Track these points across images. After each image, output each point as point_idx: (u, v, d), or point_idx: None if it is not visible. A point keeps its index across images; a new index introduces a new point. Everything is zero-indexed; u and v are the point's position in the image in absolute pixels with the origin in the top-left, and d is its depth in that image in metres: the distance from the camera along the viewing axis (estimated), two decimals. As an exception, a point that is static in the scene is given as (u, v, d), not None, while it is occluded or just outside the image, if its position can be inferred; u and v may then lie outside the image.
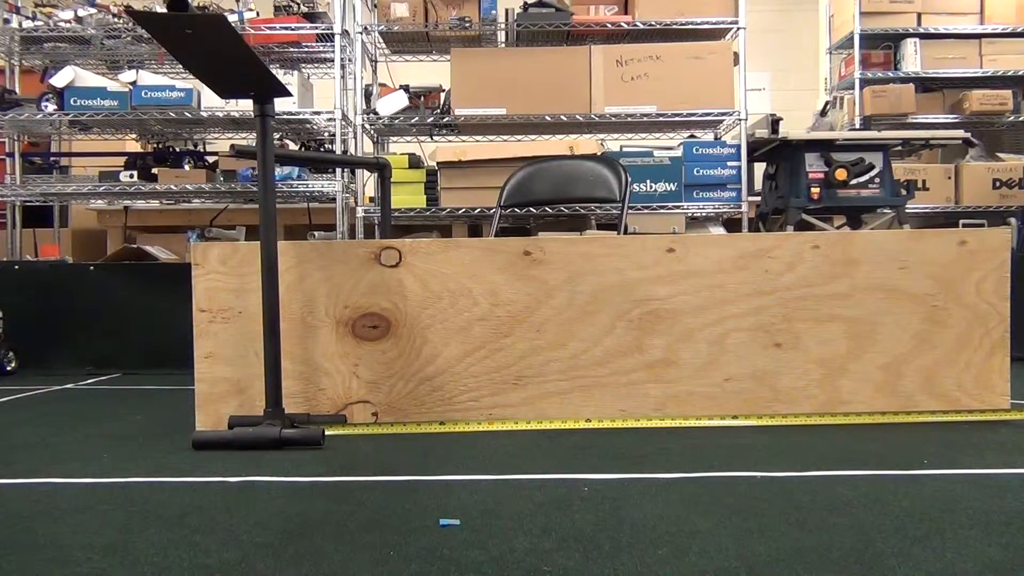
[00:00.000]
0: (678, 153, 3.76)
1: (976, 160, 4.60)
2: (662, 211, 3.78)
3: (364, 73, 3.99)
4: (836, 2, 5.28)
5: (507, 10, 3.76)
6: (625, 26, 3.76)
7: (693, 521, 1.27)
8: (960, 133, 3.80)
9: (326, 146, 4.24)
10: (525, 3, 3.71)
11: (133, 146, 4.63)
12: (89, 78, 3.82)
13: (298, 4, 3.84)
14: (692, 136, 4.15)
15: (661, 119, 3.77)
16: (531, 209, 3.63)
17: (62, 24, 3.83)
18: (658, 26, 3.73)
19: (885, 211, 3.68)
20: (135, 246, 3.96)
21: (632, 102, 3.68)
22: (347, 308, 2.08)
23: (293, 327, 2.06)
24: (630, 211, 3.18)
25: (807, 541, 1.17)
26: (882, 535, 1.19)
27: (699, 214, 3.85)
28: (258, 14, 3.82)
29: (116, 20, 3.82)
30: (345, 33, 3.81)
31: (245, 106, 3.70)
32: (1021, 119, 4.88)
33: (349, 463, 1.71)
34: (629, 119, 3.76)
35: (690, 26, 3.75)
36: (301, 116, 3.81)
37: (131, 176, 3.92)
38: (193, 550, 1.17)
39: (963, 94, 4.83)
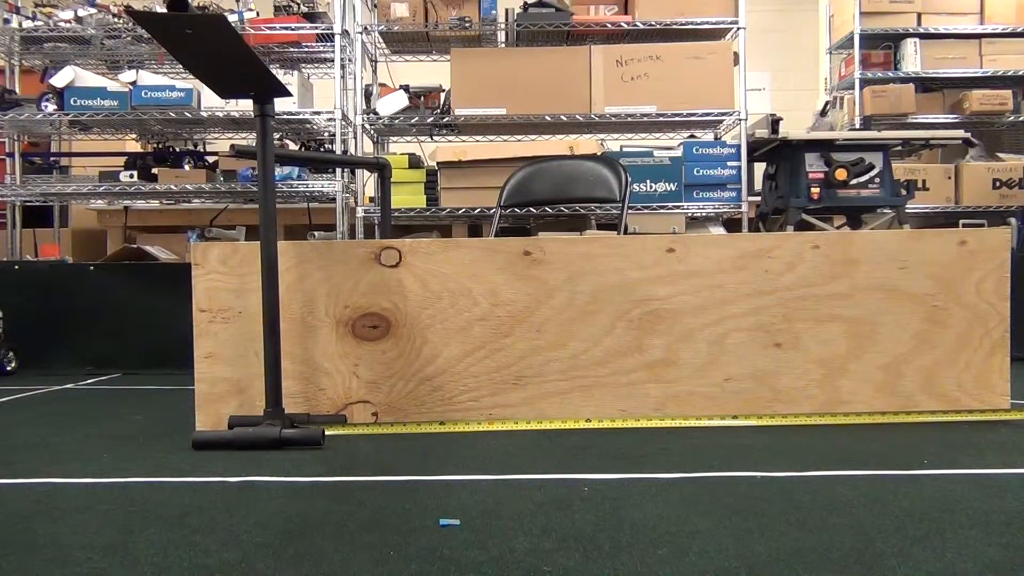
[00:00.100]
0: (678, 153, 3.76)
1: (976, 160, 4.60)
2: (662, 211, 3.78)
3: (364, 73, 3.99)
4: (836, 2, 5.28)
5: (507, 10, 3.76)
6: (625, 26, 3.76)
7: (693, 521, 1.27)
8: (960, 133, 3.80)
9: (326, 146, 4.24)
10: (525, 3, 3.71)
11: (133, 146, 4.63)
12: (89, 78, 3.82)
13: (298, 4, 3.84)
14: (692, 136, 4.15)
15: (661, 119, 3.77)
16: (531, 209, 3.63)
17: (62, 24, 3.83)
18: (658, 26, 3.73)
19: (885, 211, 3.68)
20: (135, 246, 3.96)
21: (632, 102, 3.68)
22: (347, 308, 2.08)
23: (293, 327, 2.06)
24: (630, 211, 3.18)
25: (807, 541, 1.17)
26: (882, 535, 1.19)
27: (699, 214, 3.85)
28: (258, 14, 3.82)
29: (116, 20, 3.82)
30: (345, 33, 3.81)
31: (245, 106, 3.70)
32: (1021, 119, 4.88)
33: (349, 463, 1.71)
34: (629, 119, 3.76)
35: (690, 26, 3.75)
36: (301, 116, 3.81)
37: (131, 176, 3.92)
38: (193, 550, 1.17)
39: (963, 94, 4.83)
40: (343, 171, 3.82)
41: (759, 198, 4.02)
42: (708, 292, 2.09)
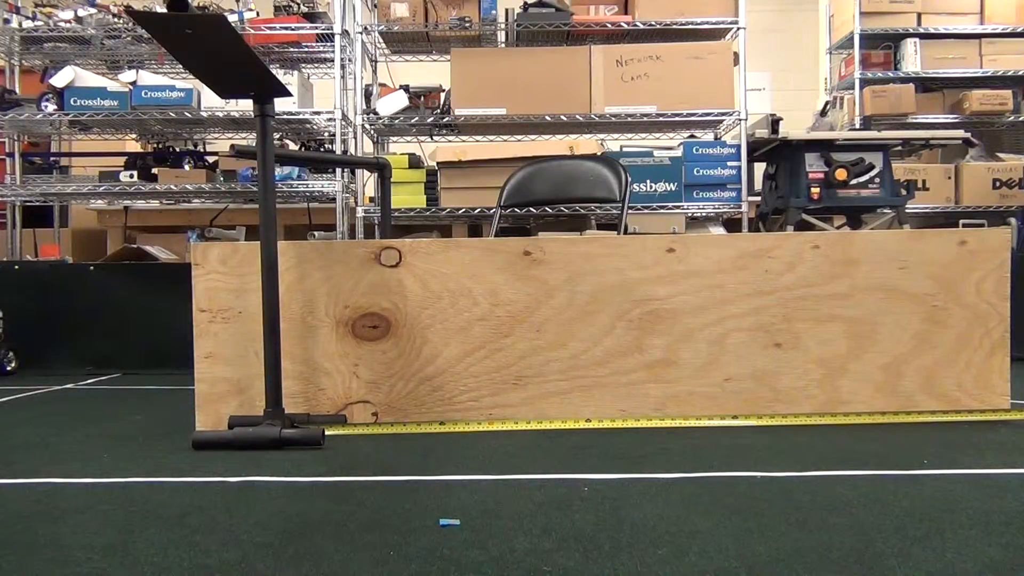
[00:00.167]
0: (678, 153, 3.76)
1: (976, 160, 4.60)
2: (662, 211, 3.78)
3: (364, 73, 3.99)
4: (836, 2, 5.28)
5: (507, 10, 3.76)
6: (625, 26, 3.76)
7: (693, 521, 1.27)
8: (960, 133, 3.80)
9: (326, 146, 4.24)
10: (525, 3, 3.71)
11: (133, 146, 4.63)
12: (89, 78, 3.82)
13: (298, 4, 3.84)
14: (692, 136, 4.15)
15: (661, 119, 3.77)
16: (531, 209, 3.63)
17: (62, 24, 3.83)
18: (658, 26, 3.73)
19: (885, 211, 3.68)
20: (135, 246, 3.96)
21: (632, 102, 3.68)
22: (347, 308, 2.08)
23: (293, 327, 2.06)
24: (630, 211, 3.18)
25: (807, 541, 1.17)
26: (882, 535, 1.19)
27: (699, 214, 3.85)
28: (258, 14, 3.82)
29: (116, 20, 3.82)
30: (345, 33, 3.81)
31: (245, 106, 3.70)
32: (1021, 119, 4.88)
33: (349, 463, 1.71)
34: (629, 119, 3.76)
35: (690, 26, 3.75)
36: (301, 116, 3.81)
37: (131, 176, 3.92)
38: (193, 550, 1.17)
39: (963, 94, 4.83)
40: (343, 171, 3.82)
41: (759, 198, 4.02)
42: (708, 292, 2.09)
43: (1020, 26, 4.81)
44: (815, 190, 3.54)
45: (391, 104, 3.79)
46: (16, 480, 1.60)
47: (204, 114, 3.78)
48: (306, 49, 4.05)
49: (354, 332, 2.08)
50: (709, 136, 4.13)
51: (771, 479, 1.52)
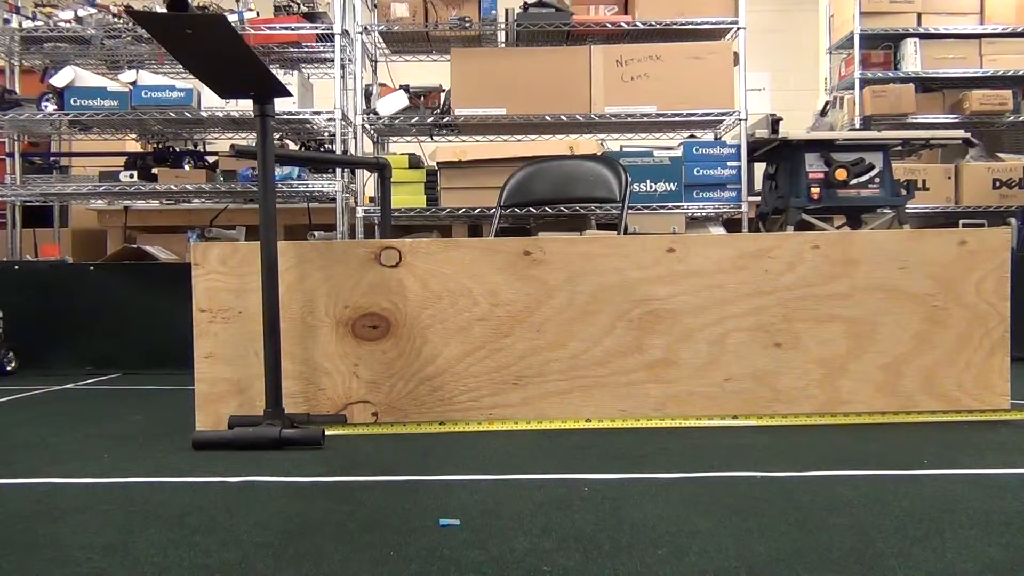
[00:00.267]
0: (678, 153, 3.76)
1: (976, 160, 4.60)
2: (662, 211, 3.78)
3: (364, 73, 3.99)
4: (836, 2, 5.28)
5: (507, 10, 3.76)
6: (625, 26, 3.76)
7: (693, 521, 1.27)
8: (960, 133, 3.81)
9: (326, 146, 4.24)
10: (525, 3, 3.71)
11: (133, 146, 4.63)
12: (89, 78, 3.82)
13: (298, 4, 3.84)
14: (692, 136, 4.15)
15: (661, 119, 3.77)
16: (531, 209, 3.63)
17: (62, 24, 3.83)
18: (658, 26, 3.73)
19: (885, 211, 3.68)
20: (135, 246, 3.96)
21: (632, 102, 3.68)
22: (347, 308, 2.08)
23: (293, 327, 2.06)
24: (630, 211, 3.18)
25: (807, 541, 1.17)
26: (882, 535, 1.19)
27: (699, 214, 3.85)
28: (258, 14, 3.82)
29: (116, 20, 3.82)
30: (345, 33, 3.81)
31: (245, 106, 3.70)
32: (1021, 119, 4.88)
33: (349, 463, 1.71)
34: (629, 119, 3.76)
35: (690, 26, 3.75)
36: (301, 116, 3.81)
37: (131, 176, 3.92)
38: (193, 550, 1.17)
39: (963, 94, 4.83)
40: (343, 171, 3.82)
41: (759, 198, 4.02)
42: (708, 292, 2.09)
43: (1020, 26, 4.81)
44: (815, 190, 3.54)
45: (391, 104, 3.79)
46: (16, 480, 1.60)
47: (204, 114, 3.78)
48: (306, 49, 4.05)
49: (354, 332, 2.08)
50: (709, 136, 4.13)
51: (771, 479, 1.52)
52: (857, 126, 4.76)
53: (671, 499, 1.40)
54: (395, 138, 4.42)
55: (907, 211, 3.68)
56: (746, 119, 3.72)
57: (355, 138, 3.80)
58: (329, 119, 3.85)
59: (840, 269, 2.10)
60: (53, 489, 1.53)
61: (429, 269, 2.08)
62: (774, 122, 3.64)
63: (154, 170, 3.96)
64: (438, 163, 3.70)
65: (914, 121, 4.80)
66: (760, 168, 4.02)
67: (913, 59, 4.83)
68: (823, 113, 4.46)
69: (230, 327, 2.06)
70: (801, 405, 2.10)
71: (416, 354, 2.08)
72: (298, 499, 1.43)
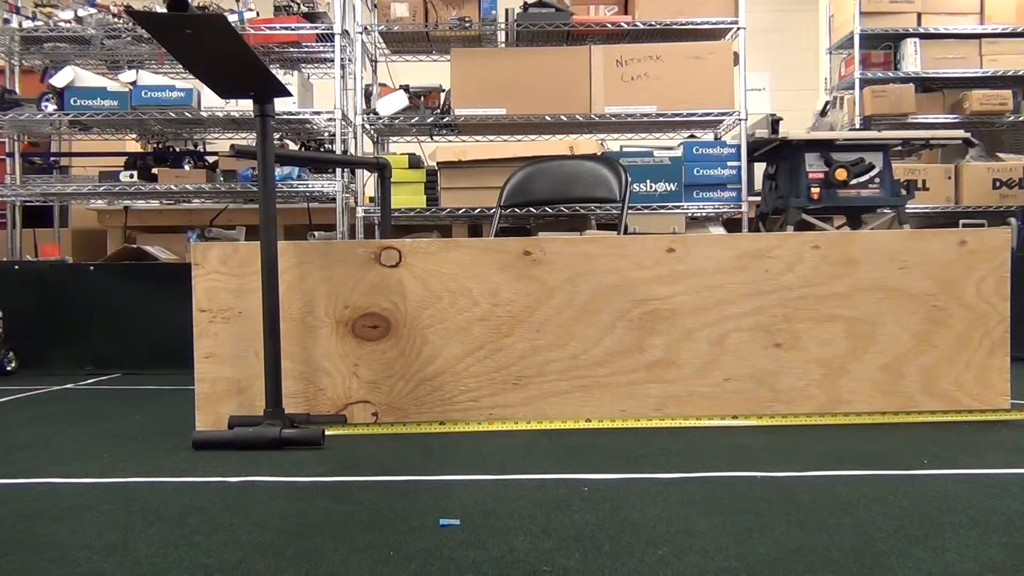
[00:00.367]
0: (678, 153, 3.76)
1: (976, 160, 4.60)
2: (662, 211, 3.78)
3: (364, 73, 3.99)
4: (836, 2, 5.28)
5: (507, 10, 3.76)
6: (625, 26, 3.76)
7: (693, 521, 1.27)
8: (960, 133, 3.80)
9: (326, 146, 4.24)
10: (525, 3, 3.71)
11: (133, 146, 4.63)
12: (89, 78, 3.82)
13: (298, 4, 3.84)
14: (692, 136, 4.15)
15: (661, 119, 3.77)
16: (531, 209, 3.63)
17: (62, 24, 3.83)
18: (658, 26, 3.73)
19: (885, 211, 3.68)
20: (135, 246, 3.96)
21: (632, 102, 3.68)
22: (347, 308, 2.08)
23: (293, 327, 2.06)
24: (630, 211, 3.18)
25: (807, 541, 1.17)
26: (882, 535, 1.19)
27: (699, 214, 3.85)
28: (258, 14, 3.82)
29: (116, 20, 3.82)
30: (345, 33, 3.81)
31: (245, 106, 3.70)
32: (1021, 119, 4.87)
33: (349, 463, 1.71)
34: (629, 119, 3.76)
35: (690, 26, 3.75)
36: (301, 116, 3.81)
37: (131, 176, 3.92)
38: (193, 550, 1.17)
39: (963, 94, 4.83)
40: (343, 171, 3.82)
41: (759, 198, 4.02)
42: (708, 292, 2.09)
43: (1020, 26, 4.81)
44: (815, 190, 3.54)
45: (391, 104, 3.79)
46: (16, 480, 1.60)
47: (204, 114, 3.78)
48: (306, 49, 4.05)
49: (354, 332, 2.08)
50: (709, 136, 4.13)
51: (771, 479, 1.52)
52: (857, 126, 4.76)
53: (671, 499, 1.40)
54: (395, 138, 4.42)
55: (907, 211, 3.68)
56: (746, 119, 3.72)
57: (355, 138, 3.80)
58: (329, 119, 3.85)
59: (840, 269, 2.10)
60: (53, 489, 1.53)
61: (429, 269, 2.08)
62: (774, 122, 3.64)
63: (154, 170, 3.96)
64: (438, 163, 3.70)
65: (914, 121, 4.80)
66: (760, 168, 4.02)
67: (913, 59, 4.83)
68: (823, 113, 4.46)
69: (230, 327, 2.06)
70: (801, 405, 2.10)
71: (416, 354, 2.08)
72: (298, 499, 1.43)
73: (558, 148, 3.68)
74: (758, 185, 4.07)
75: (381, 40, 4.14)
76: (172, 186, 3.91)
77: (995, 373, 2.11)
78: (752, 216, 3.92)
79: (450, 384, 2.08)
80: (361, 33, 3.82)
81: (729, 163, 3.72)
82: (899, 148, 3.88)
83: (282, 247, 2.00)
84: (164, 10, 1.66)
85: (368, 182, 3.89)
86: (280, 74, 3.90)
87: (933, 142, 4.00)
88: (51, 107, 3.74)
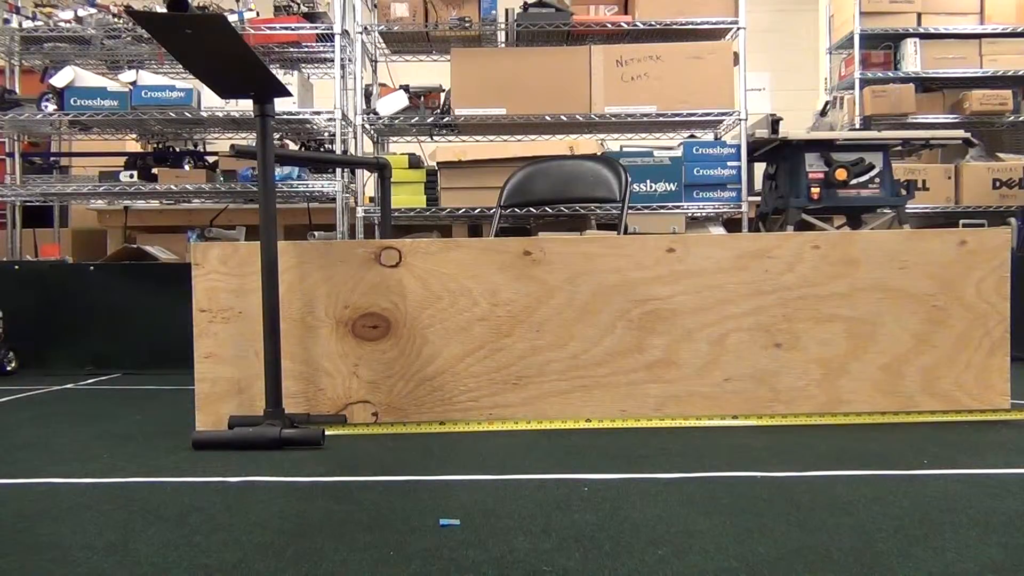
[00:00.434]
0: (678, 153, 3.76)
1: (976, 160, 4.60)
2: (662, 211, 3.78)
3: (364, 73, 3.99)
4: (836, 2, 5.28)
5: (507, 10, 3.76)
6: (625, 26, 3.76)
7: (693, 521, 1.27)
8: (960, 133, 3.80)
9: (326, 146, 4.24)
10: (525, 3, 3.71)
11: (133, 146, 4.63)
12: (89, 78, 3.82)
13: (298, 4, 3.84)
14: (692, 136, 4.15)
15: (661, 119, 3.77)
16: (531, 209, 3.63)
17: (62, 24, 3.83)
18: (658, 26, 3.73)
19: (885, 211, 3.68)
20: (135, 246, 3.96)
21: (632, 102, 3.68)
22: (347, 308, 2.08)
23: (293, 327, 2.06)
24: (630, 211, 3.18)
25: (807, 541, 1.17)
26: (882, 535, 1.19)
27: (699, 214, 3.85)
28: (258, 14, 3.82)
29: (116, 20, 3.82)
30: (345, 33, 3.81)
31: (245, 106, 3.70)
32: (1021, 119, 4.88)
33: (349, 463, 1.71)
34: (629, 119, 3.76)
35: (690, 26, 3.75)
36: (301, 116, 3.81)
37: (131, 176, 3.92)
38: (193, 550, 1.17)
39: (963, 94, 4.83)
40: (343, 171, 3.82)
41: (759, 198, 4.02)
42: (708, 292, 2.09)
43: (1020, 26, 4.81)
44: (815, 190, 3.54)
45: (391, 104, 3.79)
46: (16, 480, 1.60)
47: (204, 114, 3.78)
48: (306, 49, 4.05)
49: (354, 332, 2.08)
50: (709, 136, 4.13)
51: (771, 479, 1.52)
52: (857, 126, 4.76)
53: (671, 499, 1.40)
54: (395, 138, 4.42)
55: (907, 211, 3.68)
56: (746, 119, 3.72)
57: (355, 138, 3.80)
58: (329, 119, 3.85)
59: (840, 269, 2.10)
60: (53, 489, 1.53)
61: (429, 269, 2.08)
62: (774, 122, 3.64)
63: (154, 170, 3.96)
64: (438, 163, 3.70)
65: (914, 121, 4.80)
66: (760, 168, 4.02)
67: (913, 59, 4.83)
68: (823, 113, 4.46)
69: (230, 327, 2.06)
70: (801, 405, 2.10)
71: (416, 354, 2.08)
72: (298, 499, 1.43)
73: (558, 148, 3.68)
74: (758, 185, 4.07)
75: (381, 40, 4.14)
76: (172, 186, 3.91)
77: (995, 373, 2.11)
78: (752, 216, 3.92)
79: (450, 384, 2.08)
80: (361, 33, 3.82)
81: (729, 163, 3.72)
82: (899, 148, 3.88)
83: (282, 247, 2.00)
84: (164, 10, 1.66)
85: (368, 182, 3.89)
86: (280, 74, 3.90)
87: (933, 142, 4.00)
88: (51, 107, 3.74)
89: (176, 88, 3.76)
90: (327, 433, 1.93)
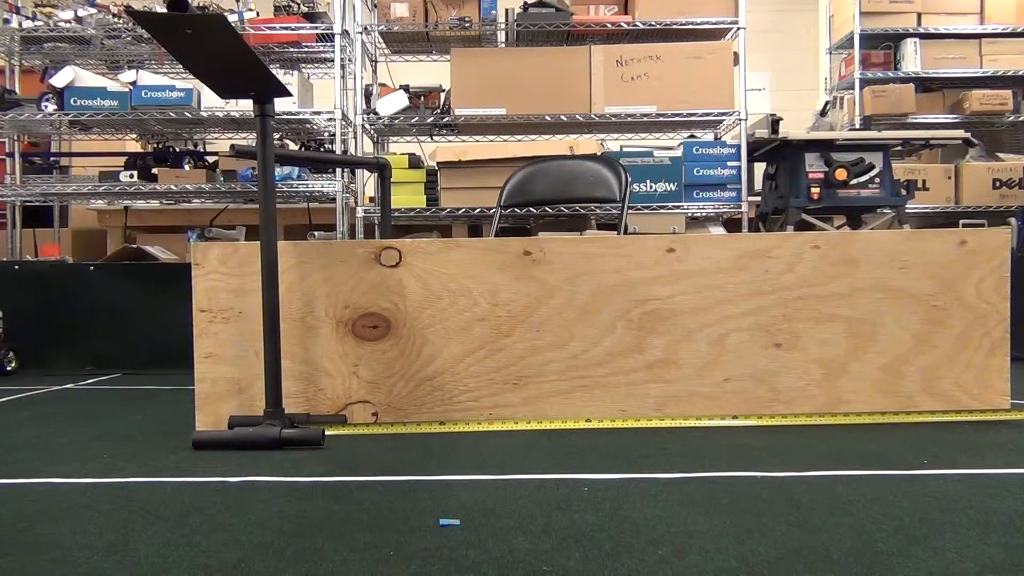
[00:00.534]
0: (678, 153, 3.76)
1: (976, 160, 4.60)
2: (662, 211, 3.78)
3: (364, 73, 3.99)
4: (836, 2, 5.28)
5: (507, 10, 3.76)
6: (625, 26, 3.76)
7: (693, 521, 1.27)
8: (960, 133, 3.80)
9: (326, 146, 4.24)
10: (525, 3, 3.71)
11: (133, 146, 4.63)
12: (89, 78, 3.82)
13: (298, 4, 3.84)
14: (692, 136, 4.15)
15: (661, 119, 3.77)
16: (531, 209, 3.63)
17: (62, 24, 3.84)
18: (658, 26, 3.73)
19: (885, 211, 3.68)
20: (135, 246, 3.96)
21: (632, 102, 3.68)
22: (347, 308, 2.08)
23: (293, 327, 2.06)
24: (630, 211, 3.18)
25: (807, 541, 1.17)
26: (882, 535, 1.19)
27: (699, 214, 3.85)
28: (258, 14, 3.82)
29: (116, 20, 3.82)
30: (345, 33, 3.81)
31: (245, 106, 3.70)
32: (1021, 119, 4.88)
33: (349, 463, 1.71)
34: (629, 119, 3.76)
35: (690, 26, 3.75)
36: (301, 116, 3.81)
37: (131, 176, 3.92)
38: (193, 550, 1.17)
39: (963, 94, 4.83)
40: (343, 171, 3.82)
41: (759, 198, 4.02)
42: (708, 292, 2.09)
43: (1020, 26, 4.81)
44: (815, 190, 3.54)
45: (391, 104, 3.79)
46: (16, 480, 1.60)
47: (204, 114, 3.78)
48: (306, 49, 4.05)
49: (354, 332, 2.08)
50: (709, 136, 4.13)
51: (771, 479, 1.52)
52: (857, 126, 4.76)
53: (671, 499, 1.40)
54: (395, 138, 4.42)
55: (907, 211, 3.68)
56: (746, 119, 3.72)
57: (355, 138, 3.80)
58: (329, 119, 3.85)
59: (840, 269, 2.10)
60: (53, 489, 1.53)
61: (429, 269, 2.08)
62: (774, 122, 3.64)
63: (154, 170, 3.96)
64: (438, 163, 3.70)
65: (914, 121, 4.80)
66: (760, 168, 4.02)
67: (913, 59, 4.83)
68: (823, 113, 4.46)
69: (230, 327, 2.06)
70: (801, 405, 2.10)
71: (416, 354, 2.08)
72: (298, 499, 1.43)
73: (558, 148, 3.68)
74: (758, 185, 4.07)
75: (381, 40, 4.14)
76: (172, 186, 3.91)
77: (995, 373, 2.11)
78: (752, 216, 3.92)
79: (450, 384, 2.08)
80: (361, 33, 3.82)
81: (729, 163, 3.72)
82: (899, 148, 3.88)
83: (282, 247, 2.00)
84: (164, 10, 1.66)
85: (368, 182, 3.89)
86: (280, 74, 3.90)
87: (933, 142, 4.00)
88: (51, 107, 3.74)
89: (176, 88, 3.76)
90: (327, 433, 1.94)
